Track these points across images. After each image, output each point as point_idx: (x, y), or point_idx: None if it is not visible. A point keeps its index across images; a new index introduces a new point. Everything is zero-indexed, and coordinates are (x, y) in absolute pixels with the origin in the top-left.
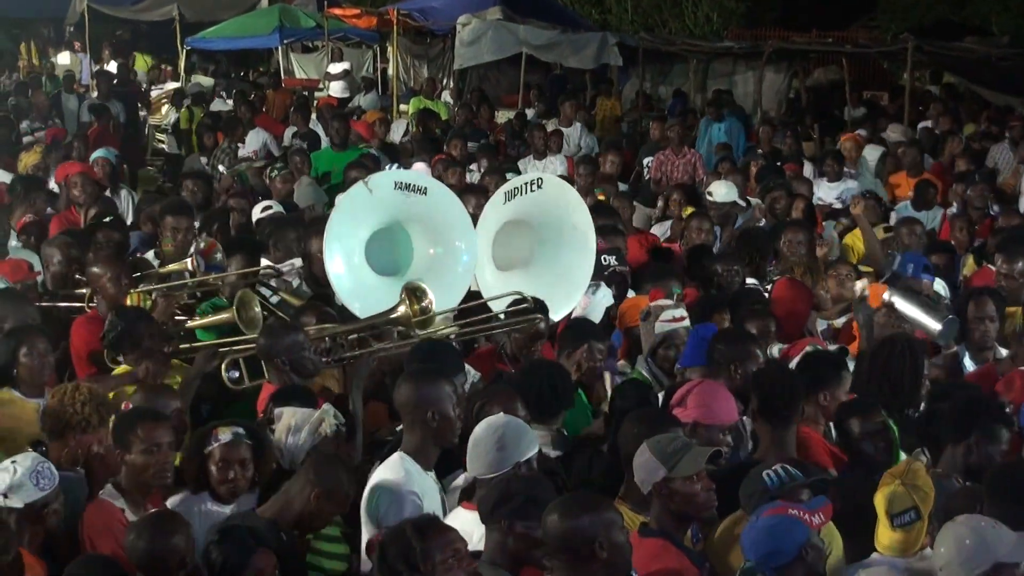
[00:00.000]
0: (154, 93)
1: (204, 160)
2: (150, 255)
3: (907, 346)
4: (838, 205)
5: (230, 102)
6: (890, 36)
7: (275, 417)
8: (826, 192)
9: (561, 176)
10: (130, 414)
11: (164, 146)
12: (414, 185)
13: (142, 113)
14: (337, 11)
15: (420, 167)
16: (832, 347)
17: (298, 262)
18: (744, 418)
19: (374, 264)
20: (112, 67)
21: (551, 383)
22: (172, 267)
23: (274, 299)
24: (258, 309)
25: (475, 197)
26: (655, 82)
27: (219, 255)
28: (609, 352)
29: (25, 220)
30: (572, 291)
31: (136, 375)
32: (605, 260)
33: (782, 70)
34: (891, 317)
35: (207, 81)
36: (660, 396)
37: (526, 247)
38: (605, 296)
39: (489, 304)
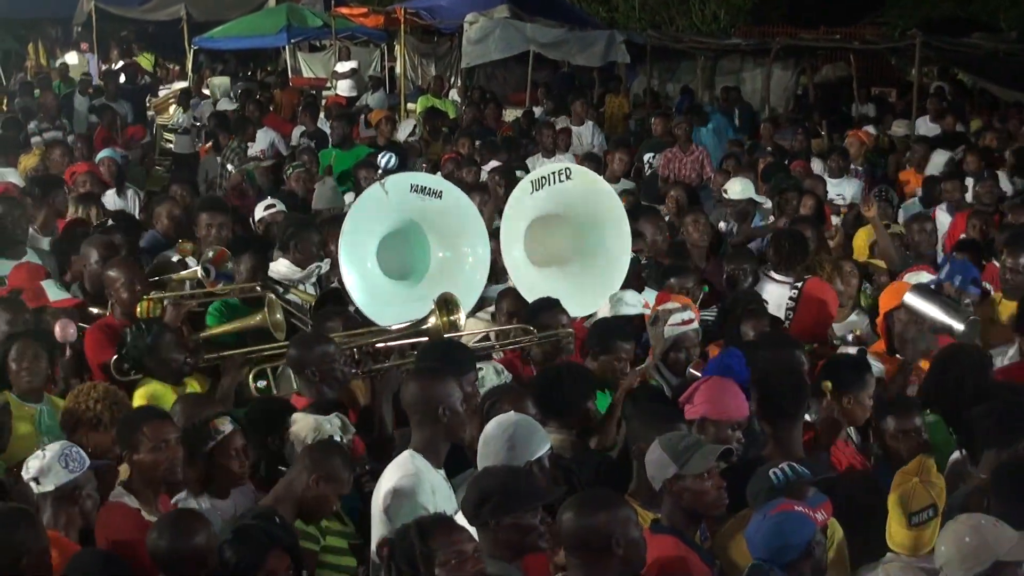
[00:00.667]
0: (161, 93)
1: (219, 160)
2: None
3: (976, 358)
4: (840, 201)
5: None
6: (898, 32)
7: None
8: (828, 189)
9: None
10: (134, 414)
11: (171, 146)
12: (430, 188)
13: (149, 113)
14: (344, 10)
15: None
16: (851, 349)
17: (325, 265)
18: None
19: (386, 268)
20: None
21: (569, 386)
22: (183, 274)
23: (288, 296)
24: (280, 316)
25: (479, 195)
26: (663, 79)
27: (229, 264)
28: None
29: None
30: (609, 284)
31: None
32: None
33: (790, 67)
34: (911, 318)
35: (223, 81)
36: None
37: (562, 242)
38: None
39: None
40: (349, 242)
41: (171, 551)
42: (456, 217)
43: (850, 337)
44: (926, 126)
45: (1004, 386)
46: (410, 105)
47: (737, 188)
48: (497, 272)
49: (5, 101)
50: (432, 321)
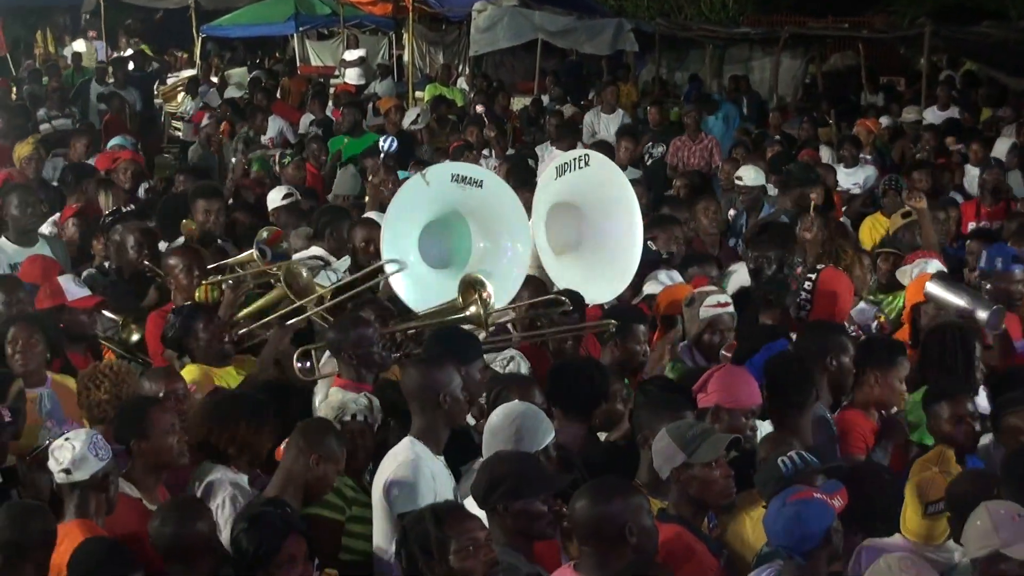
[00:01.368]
0: (170, 80)
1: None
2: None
3: (958, 332)
4: (856, 191)
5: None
6: (907, 21)
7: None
8: (844, 178)
9: None
10: (136, 402)
11: (180, 133)
12: (470, 178)
13: (157, 101)
14: None
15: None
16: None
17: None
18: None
19: (426, 256)
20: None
21: (584, 380)
22: (239, 258)
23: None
24: (307, 274)
25: None
26: (671, 68)
27: (284, 244)
28: None
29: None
30: (622, 273)
31: None
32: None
33: (798, 56)
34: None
35: (240, 72)
36: None
37: (573, 230)
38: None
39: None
40: (392, 232)
41: (174, 538)
42: (497, 206)
43: (874, 325)
44: (934, 115)
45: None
46: (418, 93)
47: (751, 175)
48: None
49: (14, 89)
50: (473, 310)
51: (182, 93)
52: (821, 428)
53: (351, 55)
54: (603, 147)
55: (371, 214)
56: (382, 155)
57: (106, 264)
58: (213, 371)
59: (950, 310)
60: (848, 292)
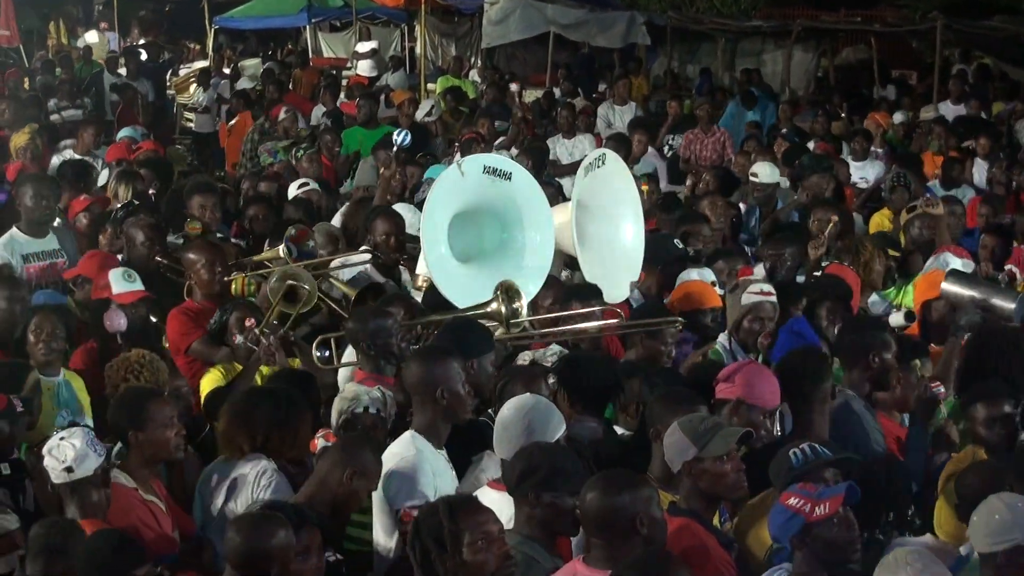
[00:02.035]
0: (182, 72)
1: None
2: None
3: (1011, 337)
4: (864, 184)
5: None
6: (919, 15)
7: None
8: (852, 171)
9: None
10: (134, 393)
11: (192, 125)
12: (500, 170)
13: (170, 92)
14: None
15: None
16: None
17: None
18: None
19: (454, 247)
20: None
21: (597, 375)
22: (265, 255)
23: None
24: (277, 284)
25: None
26: (683, 61)
27: (311, 242)
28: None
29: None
30: (629, 272)
31: None
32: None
33: (810, 49)
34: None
35: (253, 63)
36: None
37: (584, 228)
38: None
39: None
40: (428, 222)
41: (248, 551)
42: (524, 201)
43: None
44: (947, 109)
45: None
46: (430, 86)
47: (766, 172)
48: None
49: (27, 80)
50: (494, 306)
51: (194, 84)
52: (856, 423)
53: (363, 47)
54: (620, 139)
55: (402, 205)
56: (395, 148)
57: (119, 257)
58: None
59: (967, 305)
60: (855, 287)
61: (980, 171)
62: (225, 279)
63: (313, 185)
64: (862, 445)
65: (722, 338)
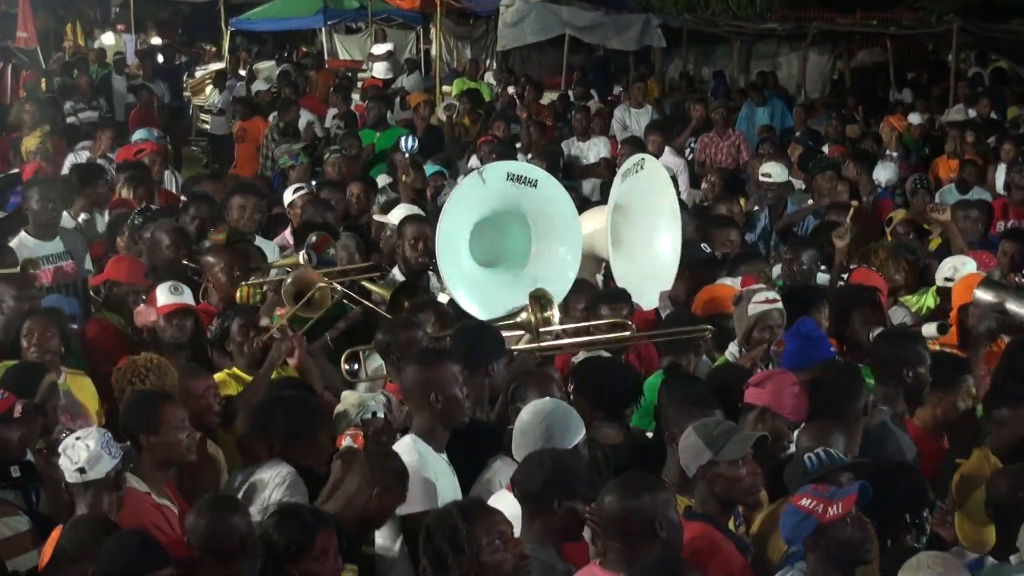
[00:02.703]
0: (198, 73)
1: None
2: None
3: None
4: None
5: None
6: (935, 17)
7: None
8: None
9: (604, 158)
10: (145, 397)
11: (208, 126)
12: (525, 177)
13: (186, 94)
14: None
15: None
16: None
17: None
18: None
19: (477, 255)
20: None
21: (615, 380)
22: (284, 261)
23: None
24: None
25: None
26: (698, 64)
27: (332, 250)
28: None
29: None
30: (664, 277)
31: None
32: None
33: (826, 52)
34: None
35: (268, 66)
36: None
37: (622, 232)
38: None
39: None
40: (446, 229)
41: (209, 532)
42: (550, 207)
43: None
44: (963, 112)
45: None
46: (445, 88)
47: (777, 171)
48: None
49: (44, 81)
50: (524, 316)
51: (210, 86)
52: (893, 442)
53: (379, 49)
54: (635, 142)
55: (404, 207)
56: (406, 154)
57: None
58: (248, 378)
59: (988, 311)
60: (882, 292)
61: (1003, 176)
62: (242, 284)
63: (308, 189)
64: (904, 463)
65: (732, 348)
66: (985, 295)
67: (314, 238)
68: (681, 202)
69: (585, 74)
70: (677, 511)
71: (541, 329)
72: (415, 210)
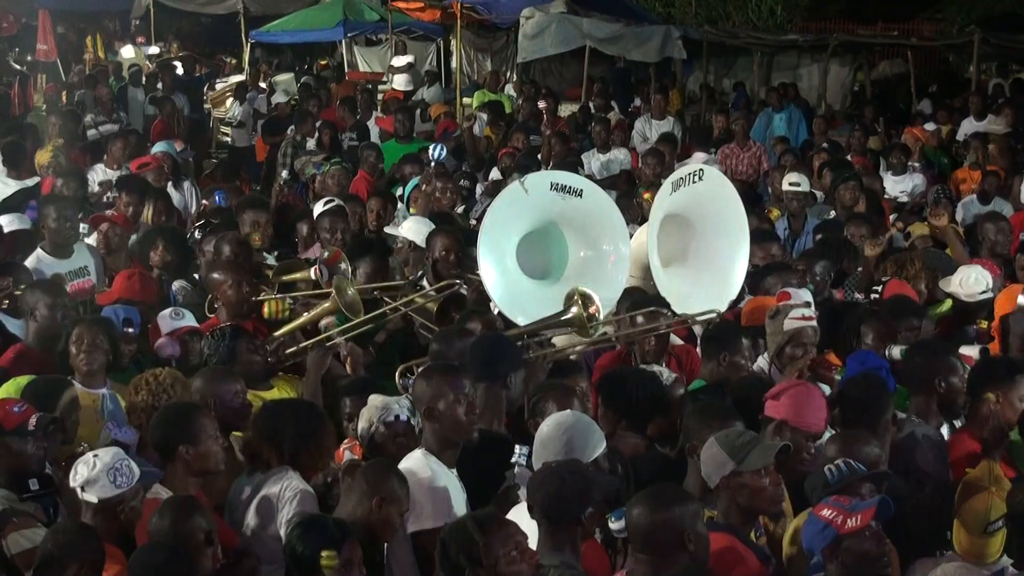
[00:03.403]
0: (218, 86)
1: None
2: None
3: None
4: (904, 199)
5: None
6: (956, 28)
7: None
8: (891, 186)
9: (625, 170)
10: (180, 408)
11: (228, 139)
12: (570, 187)
13: (206, 106)
14: (401, 4)
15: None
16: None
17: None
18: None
19: (525, 266)
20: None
21: (640, 391)
22: (296, 275)
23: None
24: (353, 291)
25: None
26: (719, 75)
27: (343, 264)
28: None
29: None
30: (727, 291)
31: None
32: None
33: (847, 63)
34: None
35: (287, 78)
36: None
37: (680, 242)
38: None
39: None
40: (489, 240)
41: (172, 532)
42: (597, 216)
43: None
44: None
45: None
46: (466, 100)
47: (804, 181)
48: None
49: (65, 94)
50: (574, 311)
51: (230, 99)
52: (931, 449)
53: (399, 61)
54: (655, 154)
55: (416, 219)
56: (432, 163)
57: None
58: (258, 394)
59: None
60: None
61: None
62: (254, 299)
63: (338, 201)
64: (934, 474)
65: (761, 362)
66: None
67: (326, 253)
68: None
69: (605, 86)
70: (704, 524)
71: (587, 315)
72: (425, 222)
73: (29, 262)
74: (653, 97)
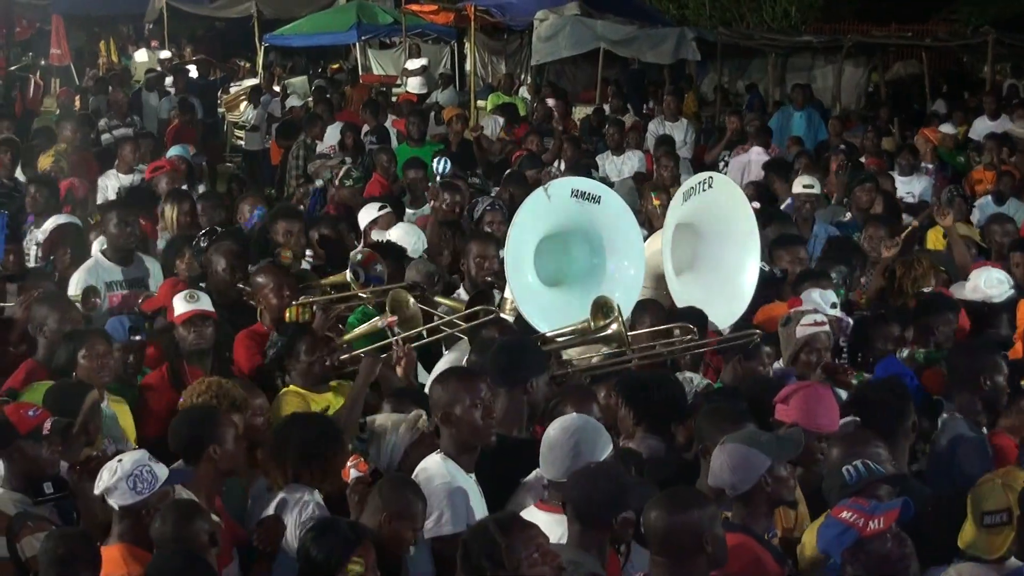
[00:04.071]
0: (232, 90)
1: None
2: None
3: None
4: (910, 199)
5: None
6: (970, 29)
7: (367, 422)
8: (899, 187)
9: (639, 172)
10: (206, 411)
11: (242, 143)
12: (589, 194)
13: (220, 110)
14: (415, 7)
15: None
16: None
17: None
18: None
19: (542, 273)
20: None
21: (662, 394)
22: (332, 279)
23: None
24: (414, 304)
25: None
26: (733, 77)
27: (379, 266)
28: None
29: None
30: (739, 297)
31: None
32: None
33: (861, 64)
34: None
35: (300, 81)
36: None
37: (691, 250)
38: None
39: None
40: (513, 246)
41: (174, 537)
42: (614, 223)
43: None
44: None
45: None
46: (480, 102)
47: (816, 183)
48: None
49: (78, 99)
50: (614, 328)
51: (244, 102)
52: (975, 450)
53: (413, 64)
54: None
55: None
56: (438, 177)
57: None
58: (311, 396)
59: None
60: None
61: None
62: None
63: (389, 209)
64: (978, 474)
65: (777, 371)
66: None
67: (360, 256)
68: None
69: (620, 88)
70: (722, 527)
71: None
72: (414, 228)
73: (87, 265)
74: (666, 99)
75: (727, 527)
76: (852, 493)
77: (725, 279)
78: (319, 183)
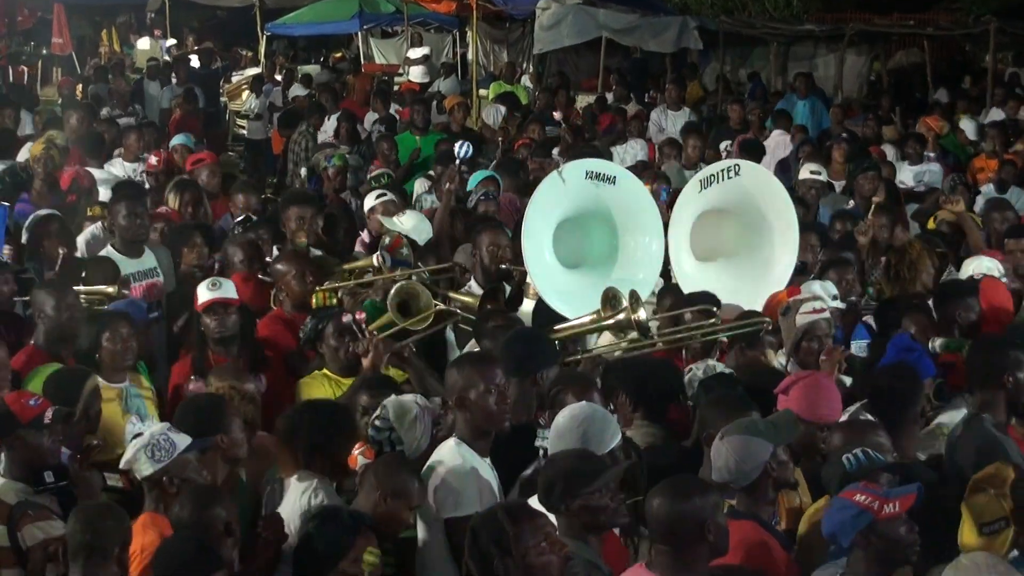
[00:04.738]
0: (234, 78)
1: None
2: None
3: None
4: (920, 188)
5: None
6: (972, 18)
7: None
8: (907, 175)
9: (641, 161)
10: (210, 399)
11: (244, 131)
12: (604, 175)
13: (222, 99)
14: None
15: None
16: None
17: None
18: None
19: (560, 255)
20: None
21: (659, 381)
22: (358, 264)
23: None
24: (427, 298)
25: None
26: (735, 66)
27: (405, 250)
28: None
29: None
30: (773, 282)
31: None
32: None
33: (863, 53)
34: None
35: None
36: None
37: (728, 237)
38: None
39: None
40: (530, 230)
41: (192, 522)
42: (630, 204)
43: None
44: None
45: None
46: (482, 91)
47: (823, 171)
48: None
49: (80, 88)
50: (623, 316)
51: (246, 91)
52: (995, 447)
53: (415, 53)
54: (673, 144)
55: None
56: (458, 160)
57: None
58: (341, 381)
59: None
60: (1008, 300)
61: None
62: (317, 289)
63: (390, 196)
64: None
65: (779, 359)
66: None
67: (387, 240)
68: None
69: (622, 76)
70: (724, 515)
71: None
72: (422, 218)
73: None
74: (668, 88)
75: (733, 514)
76: (852, 480)
77: (762, 265)
78: (304, 171)
